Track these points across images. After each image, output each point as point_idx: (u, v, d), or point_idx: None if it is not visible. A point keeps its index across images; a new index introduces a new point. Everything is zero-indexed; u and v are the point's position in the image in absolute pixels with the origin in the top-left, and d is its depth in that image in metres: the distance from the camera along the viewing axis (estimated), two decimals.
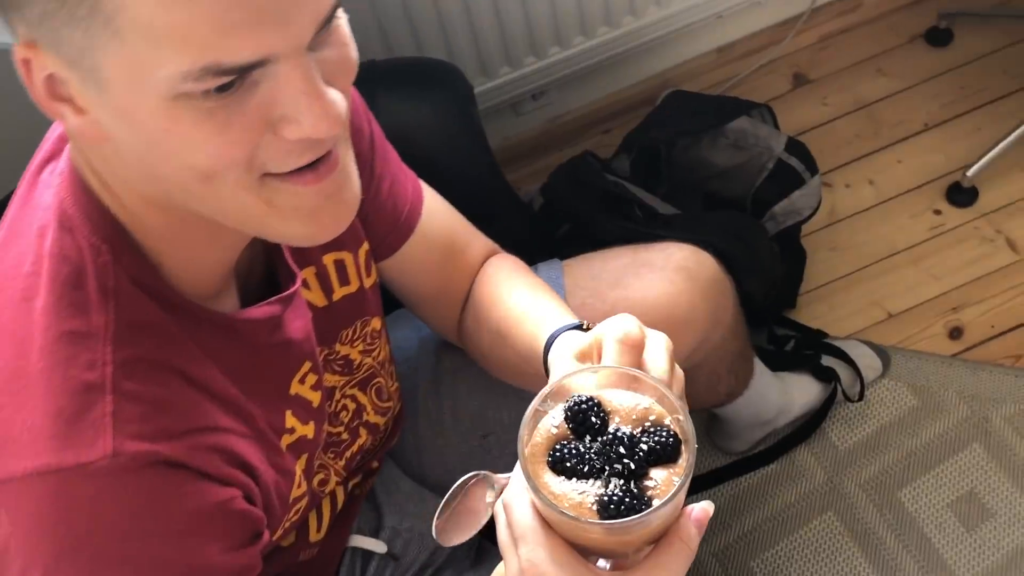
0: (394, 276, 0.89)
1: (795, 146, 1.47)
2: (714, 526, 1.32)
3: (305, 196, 0.59)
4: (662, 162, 1.50)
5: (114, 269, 0.61)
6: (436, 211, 0.90)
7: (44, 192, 0.64)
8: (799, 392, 1.43)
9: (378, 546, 0.93)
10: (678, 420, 0.53)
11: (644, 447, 0.52)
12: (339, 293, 0.82)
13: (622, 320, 0.62)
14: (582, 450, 0.52)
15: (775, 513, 1.41)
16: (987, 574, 1.33)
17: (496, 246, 0.95)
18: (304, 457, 0.77)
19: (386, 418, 0.90)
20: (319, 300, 0.80)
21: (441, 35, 1.45)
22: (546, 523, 0.54)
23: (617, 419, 0.54)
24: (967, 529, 1.36)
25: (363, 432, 0.87)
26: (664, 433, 0.52)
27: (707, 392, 1.22)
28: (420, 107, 1.05)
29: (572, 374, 0.56)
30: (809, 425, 1.44)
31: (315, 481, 0.81)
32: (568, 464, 0.52)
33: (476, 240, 0.93)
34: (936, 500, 1.39)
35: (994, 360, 1.50)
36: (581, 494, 0.51)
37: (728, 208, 1.48)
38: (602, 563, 0.56)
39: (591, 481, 0.51)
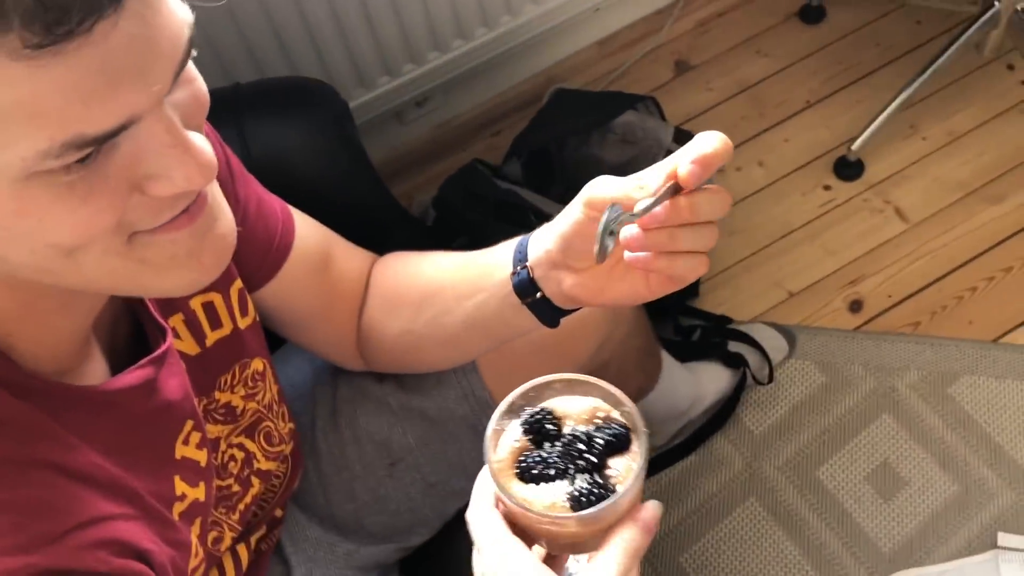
0: (276, 303, 0.84)
1: (683, 136, 1.47)
2: None
3: (180, 242, 0.55)
4: (553, 163, 1.47)
5: None
6: (309, 227, 0.86)
7: None
8: (710, 380, 1.42)
9: None
10: (624, 412, 0.57)
11: (600, 441, 0.56)
12: (212, 338, 0.77)
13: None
14: (545, 456, 0.56)
15: (698, 505, 1.40)
16: (907, 541, 1.35)
17: (375, 255, 0.91)
18: (198, 521, 0.72)
19: (279, 462, 0.85)
20: (191, 348, 0.74)
21: (313, 51, 1.39)
22: (502, 531, 0.56)
23: (570, 422, 0.58)
24: (884, 499, 1.38)
25: (255, 481, 0.82)
26: (615, 426, 0.57)
27: None
28: (292, 130, 0.99)
29: (520, 390, 0.59)
30: (722, 412, 1.44)
31: (209, 540, 0.76)
32: (535, 471, 0.55)
33: (354, 251, 0.90)
34: (853, 474, 1.40)
35: (894, 329, 1.53)
36: (552, 496, 0.55)
37: None
38: (574, 562, 0.60)
39: (558, 482, 0.55)
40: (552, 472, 0.55)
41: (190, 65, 0.52)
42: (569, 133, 1.44)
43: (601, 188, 0.65)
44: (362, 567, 0.94)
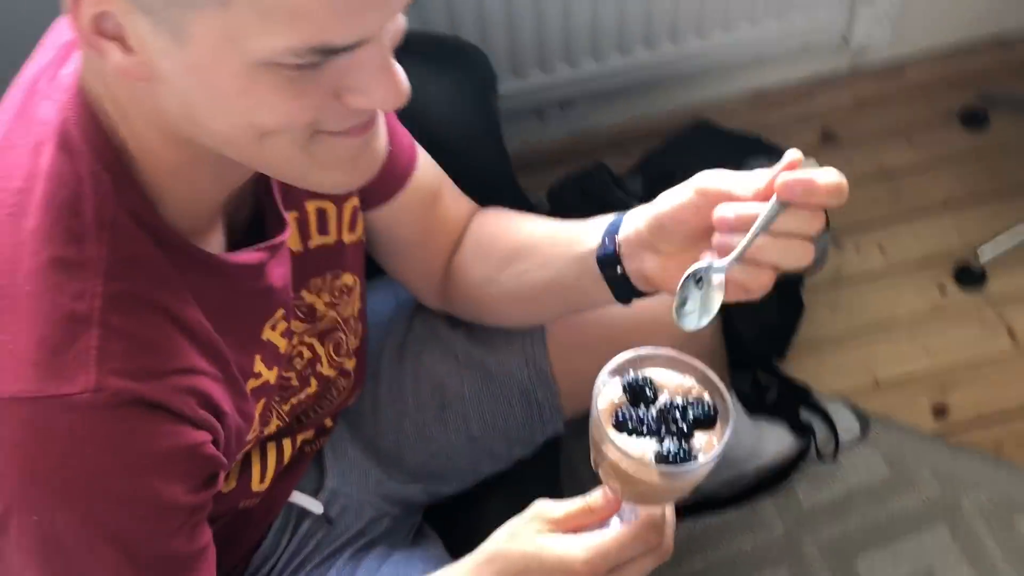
0: (382, 227, 0.89)
1: None
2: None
3: (347, 147, 0.61)
4: None
5: (114, 200, 0.61)
6: (428, 165, 0.91)
7: (42, 104, 0.63)
8: (772, 441, 1.41)
9: (315, 506, 0.92)
10: (716, 394, 0.65)
11: (692, 415, 0.63)
12: (315, 241, 0.82)
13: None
14: (640, 415, 0.64)
15: (728, 558, 1.38)
16: None
17: (478, 206, 0.96)
18: (263, 401, 0.77)
19: (339, 373, 0.89)
20: (295, 245, 0.80)
21: (478, 23, 1.45)
22: None
23: (666, 392, 0.65)
24: None
25: (313, 382, 0.86)
26: (706, 404, 0.64)
27: None
28: (437, 82, 1.04)
29: (628, 354, 0.66)
30: (777, 476, 1.42)
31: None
32: (630, 425, 0.63)
33: (461, 196, 0.94)
34: (893, 574, 1.36)
35: (974, 446, 1.48)
36: (642, 448, 0.62)
37: None
38: (628, 512, 0.69)
39: (649, 440, 0.63)
40: (644, 430, 0.63)
41: None
42: (701, 163, 1.45)
43: (715, 179, 0.68)
44: (387, 497, 0.98)
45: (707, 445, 0.63)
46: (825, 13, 1.68)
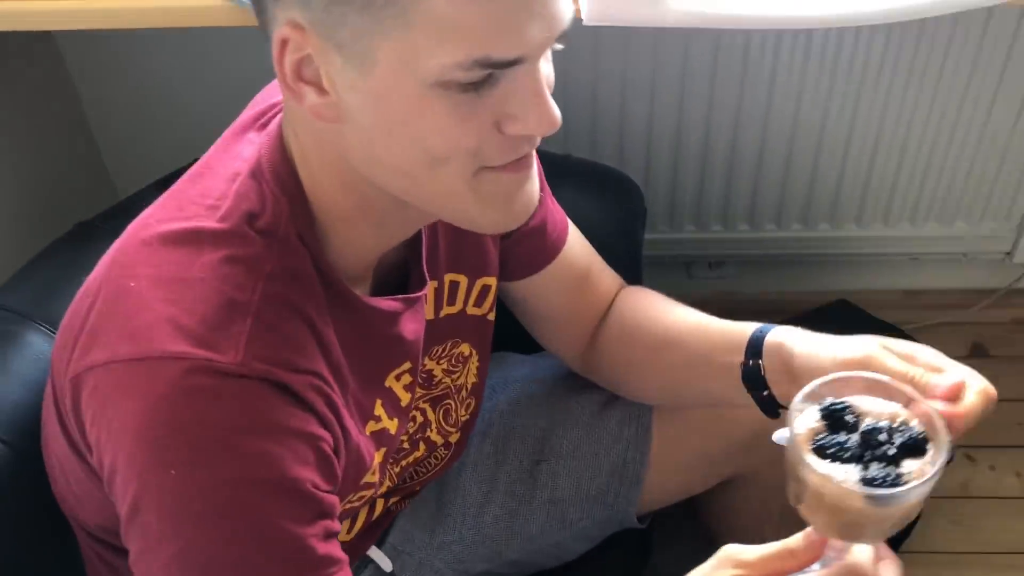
0: (528, 296, 0.95)
1: None
2: None
3: (505, 184, 0.67)
4: None
5: (287, 219, 0.69)
6: (577, 242, 0.96)
7: (246, 146, 0.73)
8: None
9: (385, 563, 0.95)
10: (927, 421, 0.60)
11: (899, 438, 0.59)
12: (444, 311, 0.88)
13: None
14: (842, 441, 0.59)
15: None
16: None
17: (622, 280, 1.00)
18: (383, 451, 0.81)
19: (444, 442, 0.94)
20: (428, 314, 0.86)
21: (644, 171, 1.52)
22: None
23: (869, 419, 0.61)
24: None
25: (422, 446, 0.91)
26: (914, 430, 0.60)
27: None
28: (590, 199, 1.10)
29: (825, 379, 0.63)
30: None
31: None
32: (829, 451, 0.59)
33: (608, 272, 0.99)
34: None
35: None
36: (845, 473, 0.58)
37: None
38: (832, 559, 0.63)
39: (851, 466, 0.59)
40: (847, 455, 0.59)
41: (549, 54, 0.65)
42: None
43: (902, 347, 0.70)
44: (445, 560, 0.99)
45: (918, 472, 0.58)
46: (991, 226, 1.67)
